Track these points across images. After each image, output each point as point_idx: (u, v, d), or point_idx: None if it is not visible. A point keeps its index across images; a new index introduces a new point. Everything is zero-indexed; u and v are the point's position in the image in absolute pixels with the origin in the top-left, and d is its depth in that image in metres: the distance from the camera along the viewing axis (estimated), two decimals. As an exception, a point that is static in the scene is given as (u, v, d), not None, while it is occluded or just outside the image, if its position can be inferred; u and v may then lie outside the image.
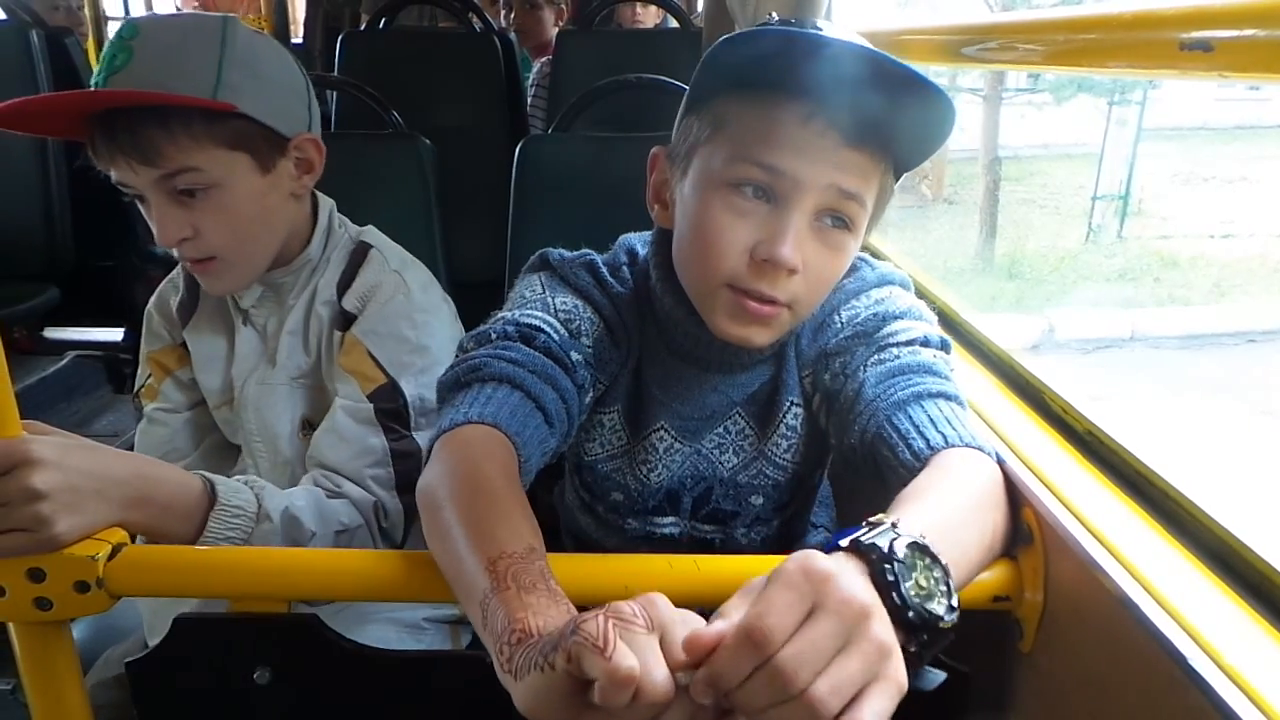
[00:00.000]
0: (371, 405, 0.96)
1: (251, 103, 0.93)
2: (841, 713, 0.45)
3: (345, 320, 1.02)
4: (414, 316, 1.01)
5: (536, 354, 0.79)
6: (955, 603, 0.54)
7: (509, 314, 0.84)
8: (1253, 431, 4.56)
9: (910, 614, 0.51)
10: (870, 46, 0.72)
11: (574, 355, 0.82)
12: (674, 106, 1.43)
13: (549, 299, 0.86)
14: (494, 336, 0.81)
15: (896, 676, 0.47)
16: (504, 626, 0.53)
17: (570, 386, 0.80)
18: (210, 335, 1.08)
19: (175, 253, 0.96)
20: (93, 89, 0.89)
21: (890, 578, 0.51)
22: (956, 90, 8.71)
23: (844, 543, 0.53)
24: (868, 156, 0.76)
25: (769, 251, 0.75)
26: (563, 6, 3.07)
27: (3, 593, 0.69)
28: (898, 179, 0.82)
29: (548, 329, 0.82)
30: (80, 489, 0.70)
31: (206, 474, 0.82)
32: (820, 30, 0.74)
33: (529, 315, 0.83)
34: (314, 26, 4.23)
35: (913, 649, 0.51)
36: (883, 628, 0.47)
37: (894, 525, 0.54)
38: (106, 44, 0.91)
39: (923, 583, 0.53)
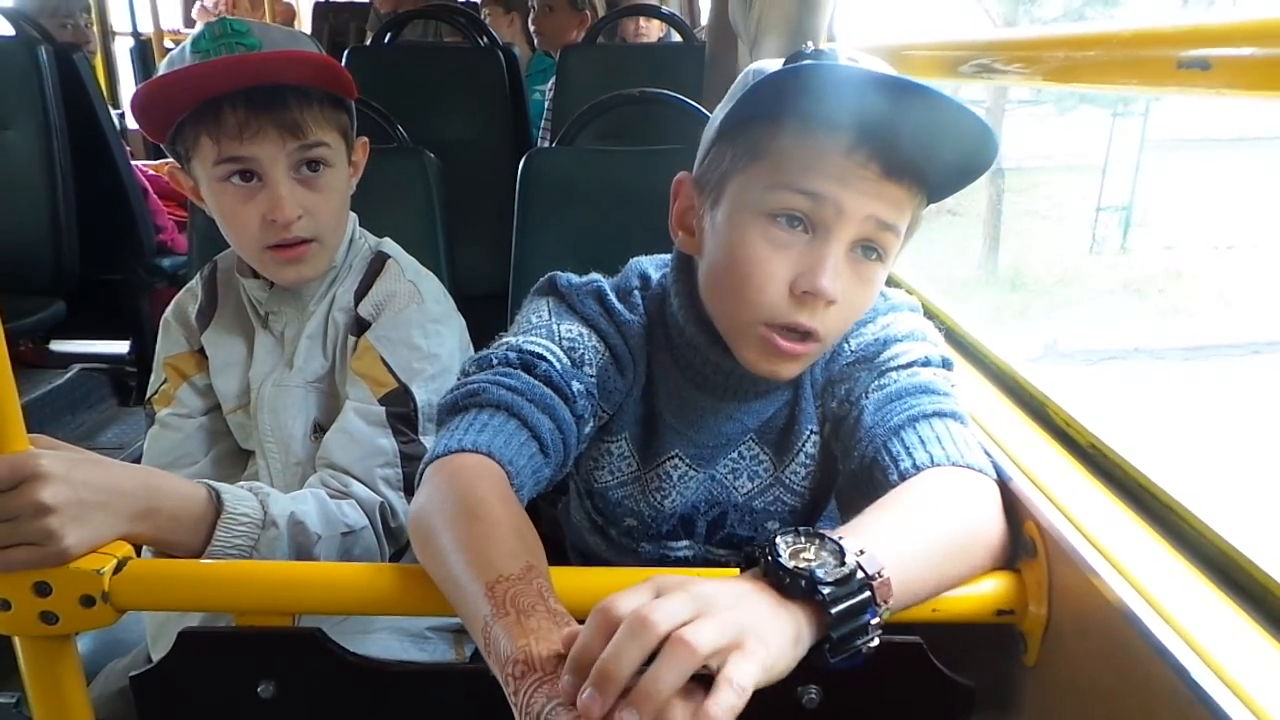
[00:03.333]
0: (384, 408, 0.98)
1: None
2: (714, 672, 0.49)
3: (360, 326, 1.05)
4: (425, 325, 1.04)
5: (536, 382, 0.79)
6: (856, 570, 0.57)
7: (513, 339, 0.83)
8: (1260, 441, 4.54)
9: (801, 581, 0.55)
10: (911, 79, 0.72)
11: (575, 385, 0.82)
12: (678, 120, 1.46)
13: (554, 326, 0.85)
14: (495, 362, 0.81)
15: (759, 652, 0.51)
16: (507, 655, 0.55)
17: (568, 417, 0.80)
18: (229, 339, 1.10)
19: (270, 240, 0.98)
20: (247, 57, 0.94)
21: (769, 553, 0.56)
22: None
23: None
24: (905, 189, 0.76)
25: (810, 283, 0.74)
26: (587, 13, 3.10)
27: (8, 606, 0.69)
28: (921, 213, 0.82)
29: (550, 357, 0.81)
30: (87, 502, 0.70)
31: (212, 483, 0.83)
32: (856, 61, 0.75)
33: (532, 342, 0.82)
34: (320, 42, 4.25)
35: (831, 609, 0.55)
36: (738, 614, 0.52)
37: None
38: (207, 39, 0.95)
39: (810, 555, 0.57)
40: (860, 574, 0.56)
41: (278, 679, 0.73)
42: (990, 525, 0.71)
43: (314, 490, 0.92)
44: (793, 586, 0.55)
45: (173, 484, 0.80)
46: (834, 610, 0.55)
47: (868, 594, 0.56)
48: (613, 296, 0.89)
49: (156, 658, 0.99)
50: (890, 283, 0.99)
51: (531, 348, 0.81)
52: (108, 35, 3.65)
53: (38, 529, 0.67)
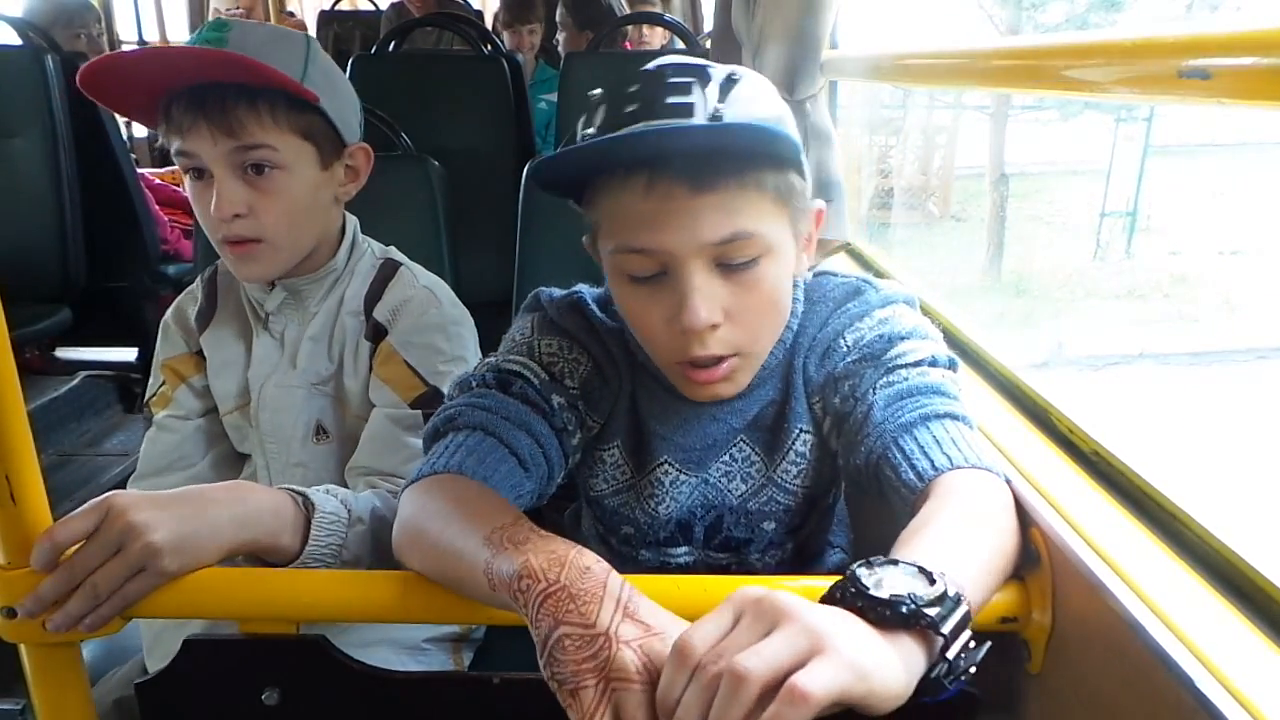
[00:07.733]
0: (419, 412, 1.00)
1: (327, 102, 1.00)
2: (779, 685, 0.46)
3: (377, 332, 1.06)
4: (447, 329, 1.06)
5: (512, 400, 0.81)
6: (946, 589, 0.54)
7: (494, 359, 0.87)
8: (1267, 447, 4.53)
9: (902, 608, 0.52)
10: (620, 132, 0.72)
11: (555, 399, 0.84)
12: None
13: (534, 342, 0.87)
14: (473, 384, 0.84)
15: (845, 652, 0.47)
16: (511, 575, 0.57)
17: (547, 431, 0.82)
18: (228, 340, 1.11)
19: (219, 234, 0.98)
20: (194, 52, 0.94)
21: (853, 589, 0.53)
22: (963, 108, 8.74)
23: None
24: (726, 190, 0.73)
25: (681, 324, 0.75)
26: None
27: (14, 614, 0.70)
28: (800, 171, 0.80)
29: (528, 373, 0.84)
30: (175, 507, 0.72)
31: (293, 487, 0.83)
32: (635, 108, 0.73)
33: (510, 361, 0.85)
34: (325, 50, 4.27)
35: (939, 638, 0.52)
36: (814, 618, 0.48)
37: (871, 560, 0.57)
38: (198, 34, 0.97)
39: (896, 582, 0.54)
40: (953, 590, 0.54)
41: (282, 686, 0.73)
42: (1010, 535, 0.71)
43: (373, 490, 0.94)
44: (894, 617, 0.51)
45: (256, 486, 0.81)
46: (945, 630, 0.52)
47: (966, 609, 0.54)
48: (594, 306, 0.90)
49: (152, 667, 1.00)
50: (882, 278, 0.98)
51: (509, 366, 0.84)
52: (115, 45, 3.68)
53: (142, 546, 0.68)
